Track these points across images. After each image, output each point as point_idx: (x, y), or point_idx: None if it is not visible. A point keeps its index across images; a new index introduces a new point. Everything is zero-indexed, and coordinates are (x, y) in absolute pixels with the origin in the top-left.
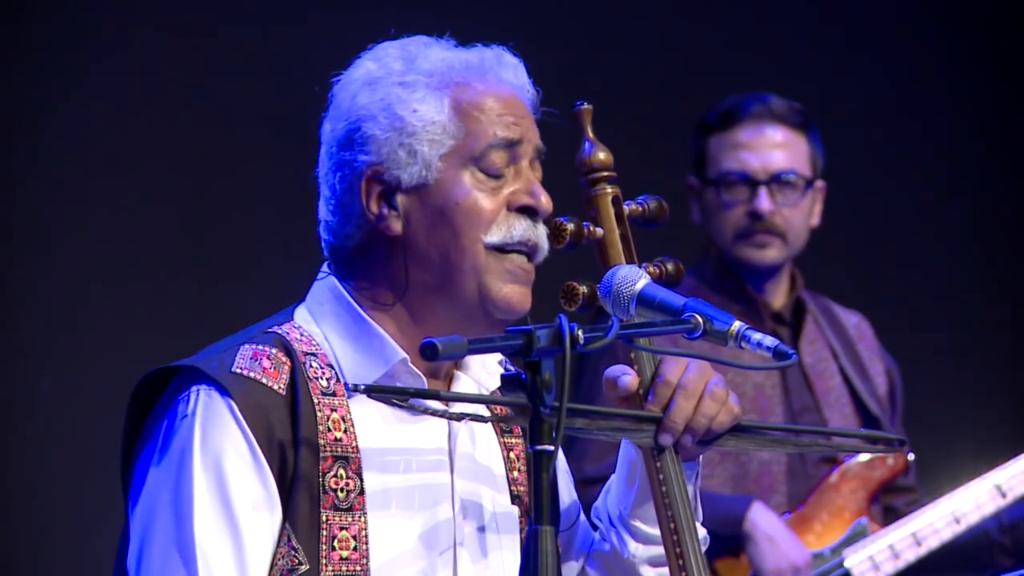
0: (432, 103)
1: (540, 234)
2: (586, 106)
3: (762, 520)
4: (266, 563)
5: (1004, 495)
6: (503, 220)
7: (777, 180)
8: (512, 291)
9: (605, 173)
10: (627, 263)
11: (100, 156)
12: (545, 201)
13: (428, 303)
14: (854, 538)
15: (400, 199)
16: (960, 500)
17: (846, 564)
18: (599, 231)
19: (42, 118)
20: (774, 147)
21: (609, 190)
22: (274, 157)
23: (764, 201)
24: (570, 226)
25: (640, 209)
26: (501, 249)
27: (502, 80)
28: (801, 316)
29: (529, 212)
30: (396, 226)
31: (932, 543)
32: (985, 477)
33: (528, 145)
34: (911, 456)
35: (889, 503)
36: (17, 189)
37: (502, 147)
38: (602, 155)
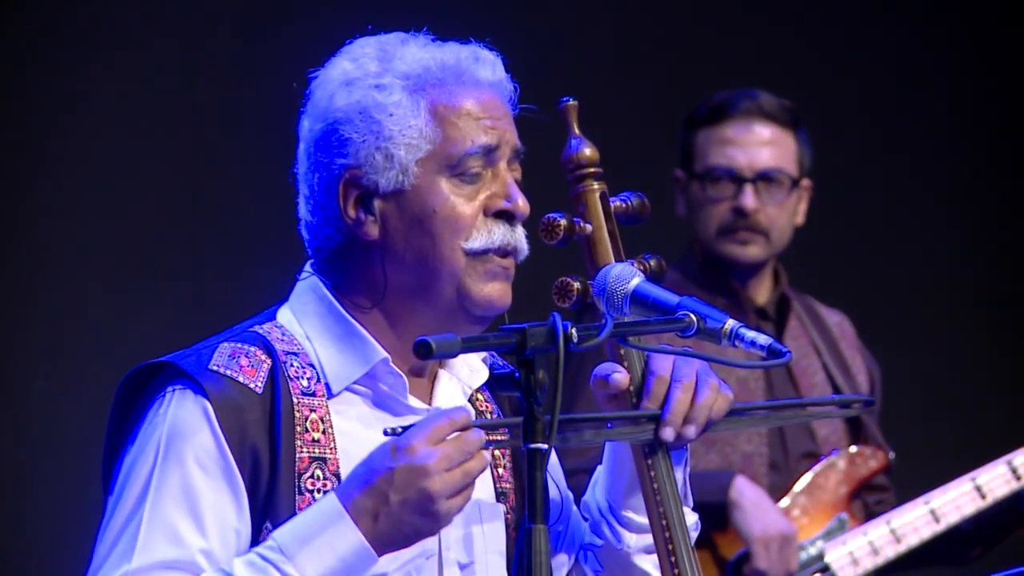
0: (408, 107)
1: (519, 237)
2: (572, 102)
3: (748, 489)
4: (230, 554)
5: (984, 496)
6: (481, 225)
7: (763, 178)
8: (493, 288)
9: (592, 169)
10: (616, 259)
11: (96, 156)
12: (522, 204)
13: (407, 306)
14: (833, 533)
15: (377, 204)
16: (940, 499)
17: (826, 558)
18: (588, 227)
19: (39, 118)
20: (762, 144)
21: (596, 186)
22: (269, 158)
23: (749, 198)
24: (563, 222)
25: (624, 206)
26: (481, 254)
27: (479, 80)
28: (785, 313)
29: (506, 217)
30: (373, 231)
31: (911, 540)
32: (966, 477)
33: (506, 147)
34: (892, 455)
35: (861, 499)
36: (13, 189)
37: (480, 153)
38: (588, 151)
